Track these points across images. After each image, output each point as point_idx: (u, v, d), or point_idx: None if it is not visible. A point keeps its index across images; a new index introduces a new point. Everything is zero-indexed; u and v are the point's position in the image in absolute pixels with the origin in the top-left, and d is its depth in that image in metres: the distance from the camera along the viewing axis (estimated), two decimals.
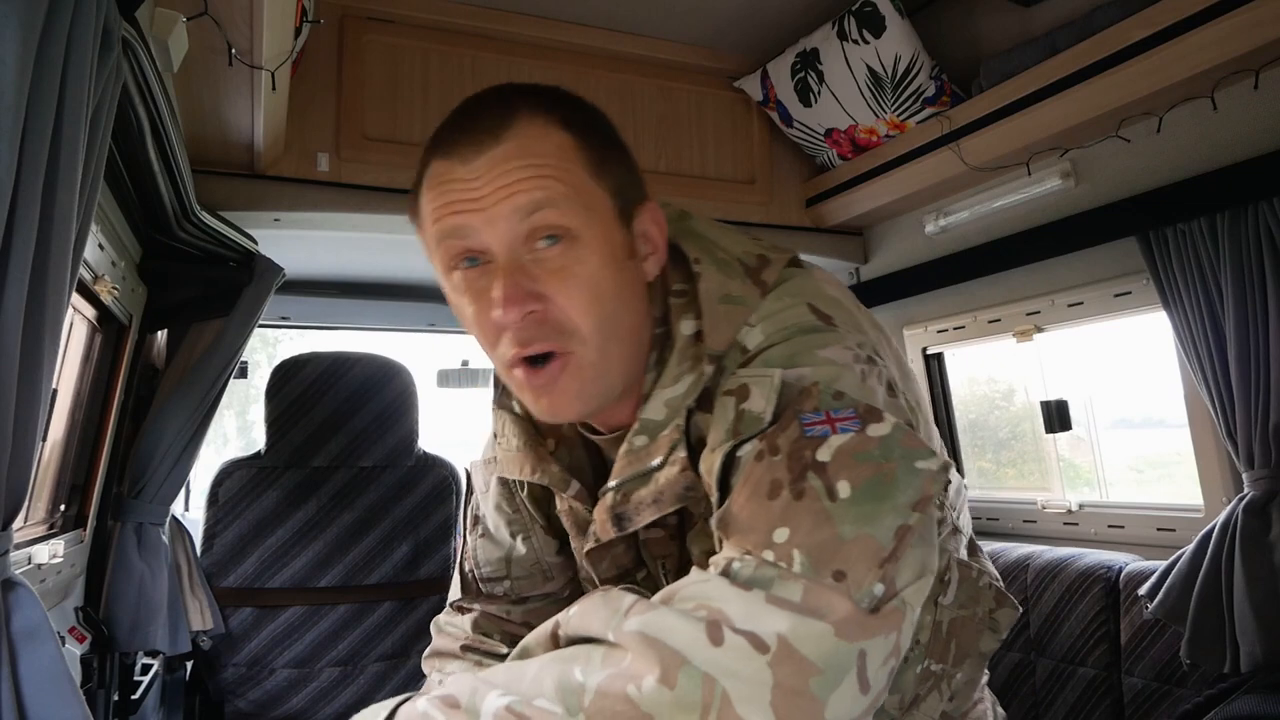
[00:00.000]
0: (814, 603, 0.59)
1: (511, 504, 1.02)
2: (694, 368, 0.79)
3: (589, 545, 0.88)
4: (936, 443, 0.92)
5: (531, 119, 0.76)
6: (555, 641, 0.67)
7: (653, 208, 0.84)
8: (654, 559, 0.89)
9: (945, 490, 0.72)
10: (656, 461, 0.79)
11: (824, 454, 0.65)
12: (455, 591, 1.08)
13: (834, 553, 0.61)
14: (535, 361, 0.77)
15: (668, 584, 0.67)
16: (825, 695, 0.57)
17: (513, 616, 1.04)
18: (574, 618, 0.66)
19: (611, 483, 0.83)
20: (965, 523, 1.02)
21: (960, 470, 2.14)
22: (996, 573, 1.05)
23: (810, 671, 0.57)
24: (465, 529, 1.07)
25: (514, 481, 0.99)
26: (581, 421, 0.91)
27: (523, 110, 0.77)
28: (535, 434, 0.94)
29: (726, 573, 0.63)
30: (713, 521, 0.69)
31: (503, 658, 0.94)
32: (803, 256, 0.88)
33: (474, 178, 0.75)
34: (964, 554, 0.99)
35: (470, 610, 1.05)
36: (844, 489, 0.63)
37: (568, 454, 0.94)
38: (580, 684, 0.59)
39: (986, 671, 1.08)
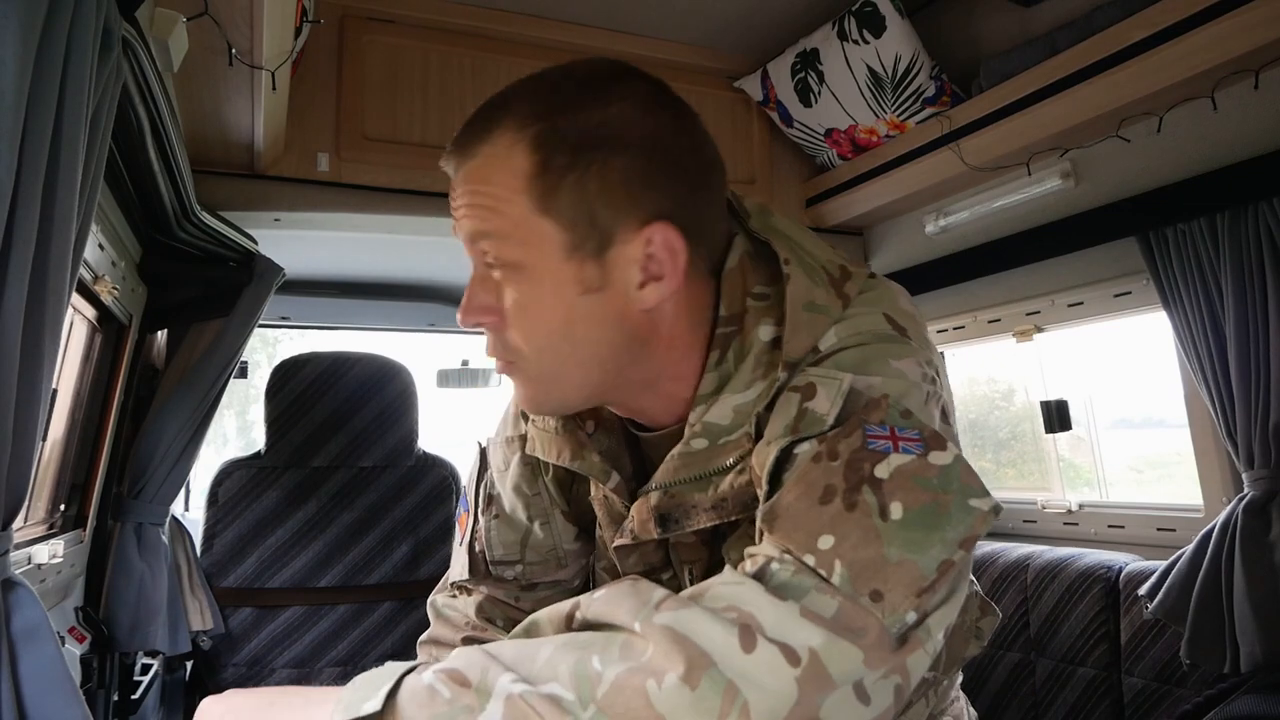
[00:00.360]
0: (847, 622, 0.59)
1: (532, 486, 0.98)
2: (767, 374, 0.77)
3: (622, 541, 0.86)
4: None
5: (502, 136, 0.74)
6: (569, 623, 0.65)
7: (660, 230, 0.74)
8: (681, 562, 0.88)
9: None
10: (723, 464, 0.78)
11: (883, 470, 0.65)
12: (460, 572, 1.03)
13: (876, 572, 0.61)
14: None
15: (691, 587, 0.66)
16: (821, 701, 0.57)
17: (520, 603, 1.01)
18: (597, 602, 0.64)
19: (655, 483, 0.82)
20: None
21: None
22: (976, 580, 1.05)
23: (828, 689, 0.57)
24: (476, 508, 1.03)
25: (540, 462, 0.97)
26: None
27: (503, 124, 0.74)
28: (573, 415, 0.91)
29: (762, 575, 0.62)
30: (758, 513, 0.68)
31: None
32: None
33: (454, 190, 0.78)
34: None
35: (475, 592, 1.02)
36: (897, 510, 0.63)
37: (605, 438, 0.91)
38: (598, 673, 0.58)
39: (960, 673, 1.09)
